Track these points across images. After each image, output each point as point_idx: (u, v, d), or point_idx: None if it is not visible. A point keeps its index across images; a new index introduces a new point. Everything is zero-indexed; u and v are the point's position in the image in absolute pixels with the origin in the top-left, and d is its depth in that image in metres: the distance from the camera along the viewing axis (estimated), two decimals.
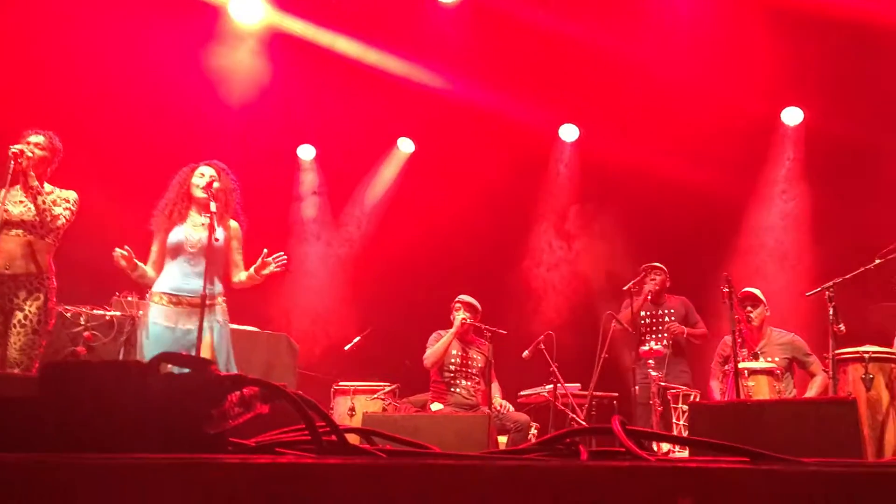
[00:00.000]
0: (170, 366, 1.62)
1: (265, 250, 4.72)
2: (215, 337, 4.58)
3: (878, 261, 5.39)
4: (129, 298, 5.98)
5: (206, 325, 4.45)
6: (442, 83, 8.15)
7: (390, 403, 6.18)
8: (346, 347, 7.35)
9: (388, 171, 9.28)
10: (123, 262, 4.53)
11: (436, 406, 6.26)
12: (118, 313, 5.89)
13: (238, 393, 1.48)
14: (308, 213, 9.19)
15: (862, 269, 5.59)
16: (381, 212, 9.25)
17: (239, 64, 7.78)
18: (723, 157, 7.74)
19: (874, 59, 7.19)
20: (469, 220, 8.26)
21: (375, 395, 6.14)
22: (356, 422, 5.86)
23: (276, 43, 7.84)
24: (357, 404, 6.16)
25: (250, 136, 8.04)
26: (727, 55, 7.48)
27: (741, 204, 8.24)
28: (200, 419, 1.41)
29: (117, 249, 4.51)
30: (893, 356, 4.82)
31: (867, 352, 4.81)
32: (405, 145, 9.21)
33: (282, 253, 4.75)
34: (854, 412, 3.83)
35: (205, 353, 4.39)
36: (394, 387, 6.24)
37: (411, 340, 6.90)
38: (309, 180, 9.24)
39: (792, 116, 8.37)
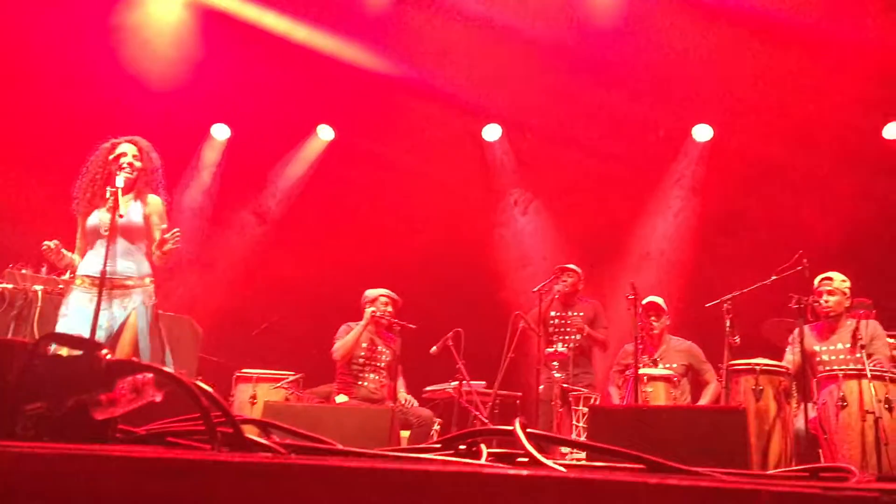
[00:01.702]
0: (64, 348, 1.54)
1: (163, 226, 4.56)
2: (140, 321, 4.42)
3: (773, 277, 5.63)
4: (24, 271, 5.69)
5: (126, 308, 4.33)
6: (371, 63, 8.05)
7: (293, 393, 6.08)
8: (254, 333, 7.21)
9: (306, 158, 9.14)
10: (52, 256, 4.43)
11: (341, 398, 6.20)
12: (10, 286, 5.60)
13: (130, 378, 1.42)
14: (193, 195, 8.89)
15: (758, 284, 5.84)
16: (296, 199, 9.10)
17: (157, 35, 7.53)
18: (635, 167, 7.96)
19: (777, 73, 7.51)
20: (387, 212, 8.23)
21: (279, 384, 6.04)
22: (257, 410, 5.75)
23: (200, 15, 7.61)
24: (259, 392, 6.04)
25: (167, 111, 7.78)
26: (648, 65, 7.68)
27: (648, 214, 8.47)
28: (88, 405, 1.35)
29: (45, 243, 4.38)
30: (782, 369, 5.04)
31: (758, 364, 5.02)
32: (324, 132, 9.09)
33: (176, 229, 4.58)
34: (743, 421, 3.99)
35: (128, 337, 4.27)
36: (298, 376, 6.15)
37: (320, 330, 6.82)
38: (210, 159, 8.96)
39: (702, 133, 8.67)
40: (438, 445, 1.59)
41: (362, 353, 6.27)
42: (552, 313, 6.50)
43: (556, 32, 7.61)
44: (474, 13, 7.56)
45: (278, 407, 5.17)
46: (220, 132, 8.98)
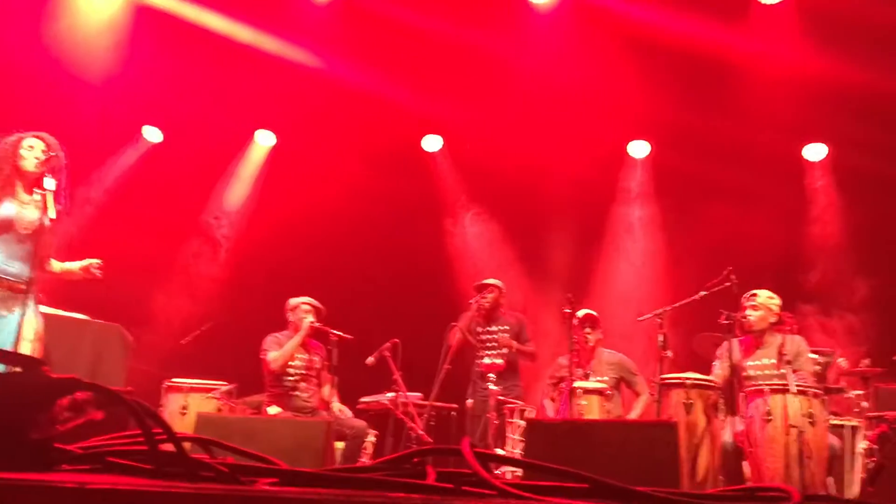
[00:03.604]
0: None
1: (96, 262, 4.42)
2: (38, 327, 4.24)
3: (702, 293, 5.79)
4: None
5: (24, 313, 4.11)
6: (314, 67, 7.99)
7: (225, 404, 5.97)
8: (184, 342, 7.05)
9: (244, 163, 9.00)
10: None
11: (273, 409, 6.11)
12: None
13: (70, 396, 1.37)
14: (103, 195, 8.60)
15: (689, 299, 6.00)
16: (230, 206, 8.95)
17: (89, 30, 7.32)
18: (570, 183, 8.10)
19: (713, 91, 7.75)
20: (324, 219, 8.15)
21: (211, 395, 5.91)
22: (189, 421, 5.62)
23: (135, 12, 7.44)
24: (191, 403, 5.90)
25: (96, 110, 7.57)
26: (585, 85, 7.84)
27: (586, 227, 8.61)
28: (25, 424, 1.30)
29: None
30: (712, 384, 5.18)
31: (689, 378, 5.15)
32: (264, 138, 8.98)
33: (99, 261, 4.45)
34: (674, 435, 4.07)
35: (28, 344, 4.07)
36: (231, 387, 6.04)
37: (253, 339, 6.72)
38: (132, 161, 8.71)
39: (639, 149, 8.89)
40: (384, 466, 1.58)
41: (295, 364, 6.19)
42: (477, 328, 6.54)
43: (500, 46, 7.70)
44: (418, 22, 7.59)
45: (211, 419, 5.05)
46: (152, 134, 8.77)
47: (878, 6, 6.92)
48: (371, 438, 6.39)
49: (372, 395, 6.57)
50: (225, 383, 6.02)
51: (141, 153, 8.80)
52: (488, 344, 6.51)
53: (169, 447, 1.45)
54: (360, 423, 6.15)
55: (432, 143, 9.08)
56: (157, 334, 7.60)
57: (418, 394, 6.44)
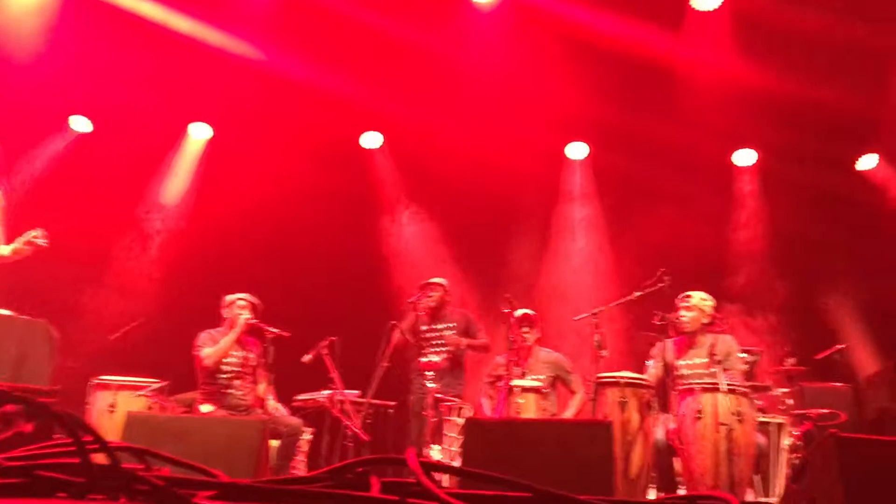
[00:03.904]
0: None
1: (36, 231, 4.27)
2: None
3: (637, 293, 5.90)
4: None
5: None
6: (253, 57, 7.84)
7: (156, 402, 5.82)
8: (112, 337, 6.84)
9: (179, 156, 8.78)
10: None
11: (206, 407, 5.98)
12: None
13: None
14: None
15: (624, 299, 6.11)
16: (164, 199, 8.72)
17: (14, 12, 7.04)
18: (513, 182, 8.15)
19: (650, 95, 7.90)
20: (262, 216, 8.02)
21: (141, 393, 5.77)
22: (117, 419, 5.46)
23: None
24: (120, 401, 5.75)
25: (20, 97, 7.29)
26: (522, 87, 7.89)
27: (525, 229, 8.69)
28: None
29: None
30: (646, 382, 5.28)
31: (623, 377, 5.24)
32: (199, 131, 8.77)
33: (40, 230, 4.31)
34: (609, 434, 4.14)
35: None
36: (163, 384, 5.89)
37: (184, 335, 6.58)
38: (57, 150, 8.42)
39: (578, 151, 9.01)
40: (327, 476, 1.55)
41: (230, 361, 6.08)
42: (423, 327, 6.56)
43: (442, 44, 7.69)
44: (360, 17, 7.52)
45: (141, 418, 4.91)
46: (81, 124, 8.49)
47: (804, 16, 7.14)
48: (306, 436, 6.32)
49: (308, 393, 6.49)
50: (156, 380, 5.88)
51: (68, 143, 8.50)
52: (433, 342, 6.53)
53: (101, 457, 1.40)
54: (296, 420, 6.08)
55: (372, 139, 9.02)
56: (85, 330, 7.37)
57: (356, 391, 6.40)
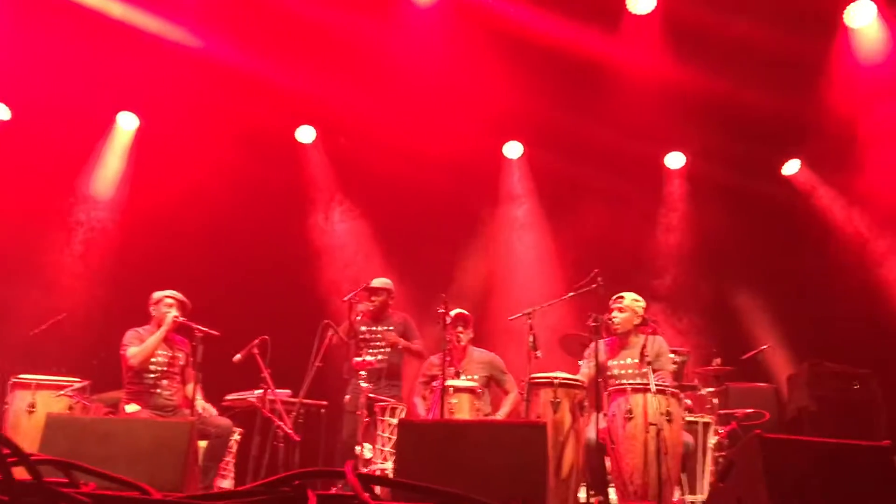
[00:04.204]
0: None
1: None
2: None
3: (571, 294, 5.96)
4: None
5: None
6: (186, 44, 7.63)
7: (78, 402, 5.63)
8: (33, 333, 6.59)
9: (106, 146, 8.49)
10: None
11: (131, 408, 5.81)
12: None
13: None
14: None
15: (557, 299, 6.17)
16: (90, 191, 8.43)
17: None
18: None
19: (586, 95, 7.99)
20: (191, 212, 7.82)
21: (62, 392, 5.56)
22: (36, 421, 5.26)
23: None
24: (39, 401, 5.54)
25: None
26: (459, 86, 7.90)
27: (457, 225, 8.69)
28: None
29: None
30: (578, 383, 5.34)
31: (557, 378, 5.29)
32: (126, 120, 8.50)
33: None
34: (543, 435, 4.18)
35: None
36: (84, 384, 5.70)
37: (108, 332, 6.38)
38: None
39: (514, 150, 9.06)
40: (263, 489, 1.51)
41: (157, 360, 5.92)
42: (362, 328, 6.52)
43: (380, 40, 7.63)
44: (298, 9, 7.40)
45: (62, 420, 4.72)
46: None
47: (733, 23, 7.32)
48: (236, 437, 6.21)
49: (238, 393, 6.36)
50: (78, 380, 5.68)
51: None
52: (372, 343, 6.49)
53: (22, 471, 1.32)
54: (225, 421, 5.96)
55: (306, 133, 8.89)
56: (3, 326, 7.07)
57: (287, 391, 6.30)
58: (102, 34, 7.40)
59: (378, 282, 6.72)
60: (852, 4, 7.32)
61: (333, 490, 4.47)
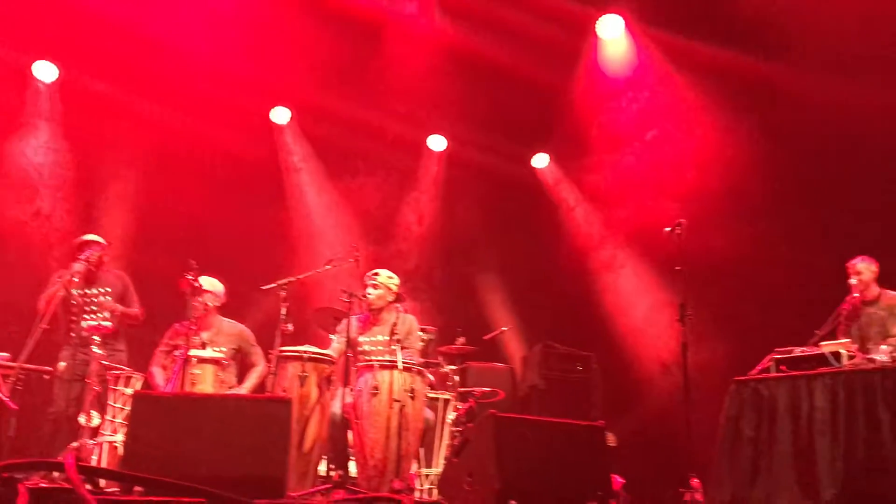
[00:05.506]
0: None
1: None
2: None
3: (327, 266, 5.93)
4: None
5: None
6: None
7: None
8: None
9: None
10: None
11: None
12: None
13: None
14: None
15: (312, 271, 6.12)
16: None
17: None
18: None
19: (357, 66, 8.00)
20: None
21: None
22: None
23: None
24: None
25: None
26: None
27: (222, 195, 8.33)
28: None
29: None
30: (327, 358, 5.34)
31: (306, 352, 5.25)
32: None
33: None
34: (288, 410, 4.14)
35: None
36: None
37: None
38: None
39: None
40: None
41: None
42: (75, 291, 5.78)
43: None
44: None
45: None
46: None
47: (500, 13, 7.64)
48: None
49: None
50: None
51: None
52: (87, 308, 5.86)
53: None
54: None
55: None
56: None
57: (5, 354, 5.64)
58: None
59: (89, 237, 6.06)
60: (603, 16, 7.91)
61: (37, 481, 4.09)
